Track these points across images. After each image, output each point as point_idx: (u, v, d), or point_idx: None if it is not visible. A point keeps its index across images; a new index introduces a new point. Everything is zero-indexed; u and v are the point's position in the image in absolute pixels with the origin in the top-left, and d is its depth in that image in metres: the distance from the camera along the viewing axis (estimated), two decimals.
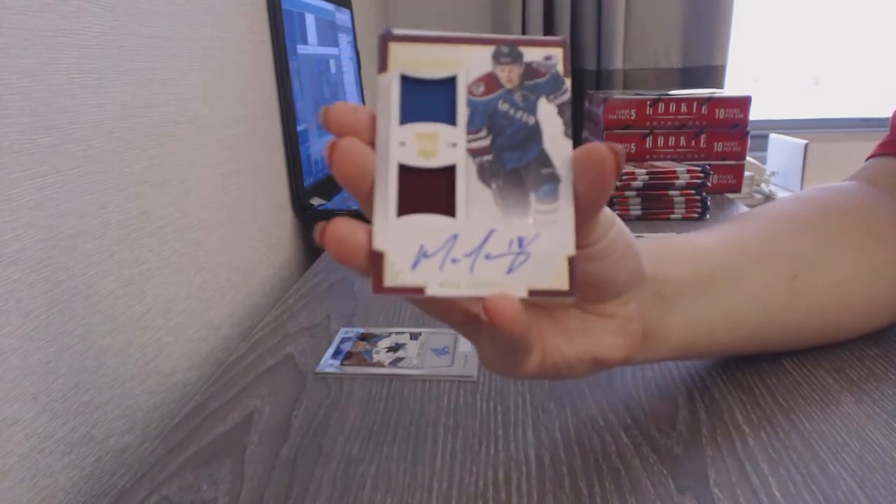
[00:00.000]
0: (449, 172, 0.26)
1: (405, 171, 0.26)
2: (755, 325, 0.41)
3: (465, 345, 0.47)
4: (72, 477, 0.39)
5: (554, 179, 0.27)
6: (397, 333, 0.50)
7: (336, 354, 0.46)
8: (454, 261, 0.26)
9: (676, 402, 0.40)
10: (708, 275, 0.39)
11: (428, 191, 0.26)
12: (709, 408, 0.39)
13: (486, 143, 0.27)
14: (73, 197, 0.39)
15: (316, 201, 0.81)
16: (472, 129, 0.27)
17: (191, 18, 0.56)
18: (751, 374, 0.43)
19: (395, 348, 0.47)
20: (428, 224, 0.26)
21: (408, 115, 0.26)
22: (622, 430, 0.37)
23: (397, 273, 0.25)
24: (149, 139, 0.48)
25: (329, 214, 0.79)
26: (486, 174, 0.26)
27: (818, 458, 0.34)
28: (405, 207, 0.26)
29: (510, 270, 0.26)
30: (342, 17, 1.10)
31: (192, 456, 0.36)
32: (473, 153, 0.26)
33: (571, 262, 0.26)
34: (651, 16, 1.73)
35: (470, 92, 0.27)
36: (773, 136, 1.79)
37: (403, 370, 0.44)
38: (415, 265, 0.25)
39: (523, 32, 1.68)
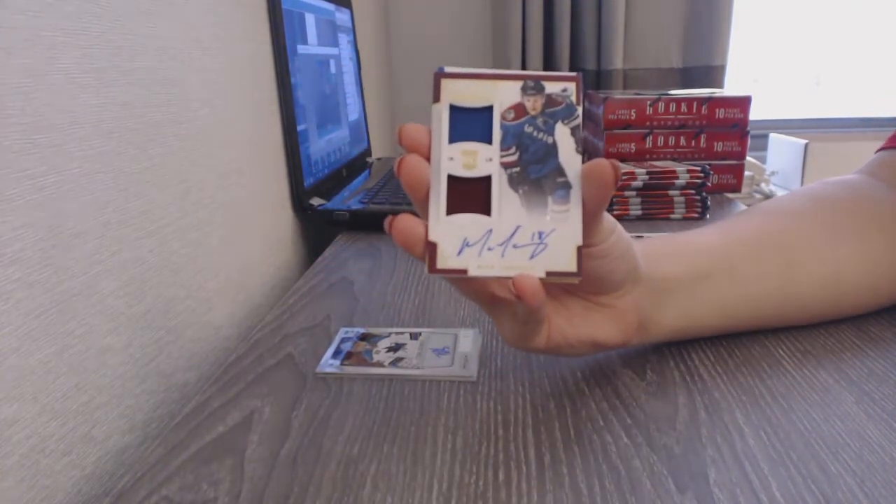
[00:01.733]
0: (486, 181, 0.33)
1: (452, 180, 0.33)
2: (749, 311, 0.45)
3: (464, 345, 0.47)
4: (72, 477, 0.39)
5: (567, 186, 0.33)
6: (397, 333, 0.50)
7: (336, 354, 0.46)
8: (489, 249, 0.33)
9: (676, 402, 0.40)
10: (701, 269, 0.43)
11: (470, 195, 0.33)
12: (709, 408, 0.39)
13: (514, 158, 0.33)
14: (73, 197, 0.39)
15: (316, 201, 0.81)
16: (505, 147, 0.33)
17: (191, 18, 0.56)
18: (751, 374, 0.43)
19: (395, 348, 0.47)
20: (470, 221, 0.33)
21: (455, 136, 0.33)
22: (622, 430, 0.37)
23: (447, 258, 0.33)
24: (149, 139, 0.48)
25: (329, 214, 0.79)
26: (514, 182, 0.33)
27: (818, 458, 0.34)
28: (452, 208, 0.33)
29: (532, 256, 0.33)
30: (342, 17, 1.10)
31: (192, 456, 0.36)
32: (505, 166, 0.33)
33: (579, 250, 0.33)
34: (651, 16, 1.73)
35: (503, 118, 0.34)
36: (773, 136, 1.79)
37: (403, 370, 0.44)
38: (459, 252, 0.33)
39: (523, 33, 1.67)
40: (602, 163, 0.32)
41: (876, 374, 0.42)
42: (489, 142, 0.33)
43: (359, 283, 0.61)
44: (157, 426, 0.48)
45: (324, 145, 0.90)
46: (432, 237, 0.33)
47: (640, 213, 0.84)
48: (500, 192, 0.33)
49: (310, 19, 0.90)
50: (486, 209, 0.33)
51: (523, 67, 1.68)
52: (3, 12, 0.34)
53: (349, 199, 0.84)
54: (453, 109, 0.33)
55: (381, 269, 0.66)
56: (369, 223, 0.79)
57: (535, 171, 0.33)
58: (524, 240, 0.33)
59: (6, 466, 0.34)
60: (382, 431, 0.38)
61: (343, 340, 0.49)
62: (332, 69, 0.99)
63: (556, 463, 0.34)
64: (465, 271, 0.33)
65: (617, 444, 0.36)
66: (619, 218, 0.84)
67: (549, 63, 1.72)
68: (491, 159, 0.33)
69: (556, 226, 0.33)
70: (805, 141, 1.62)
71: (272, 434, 0.38)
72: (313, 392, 0.42)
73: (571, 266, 0.33)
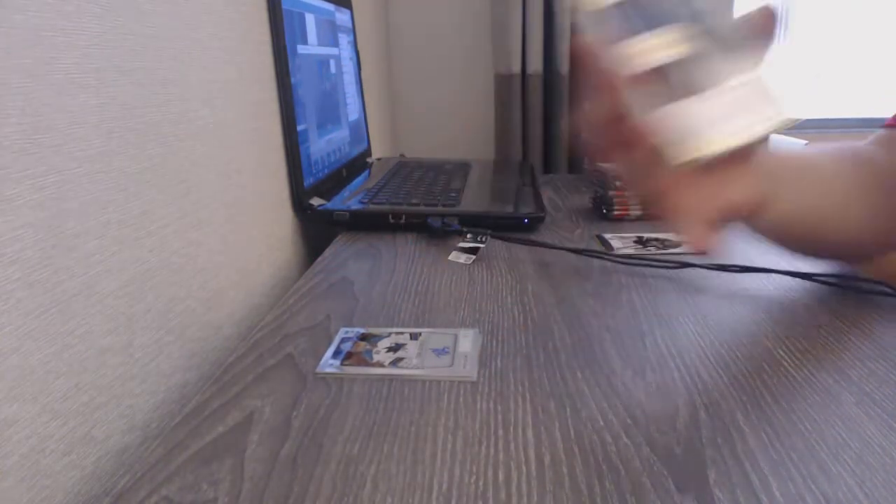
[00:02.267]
0: (674, 66, 0.34)
1: (642, 75, 0.34)
2: (823, 224, 0.52)
3: (464, 345, 0.47)
4: (72, 477, 0.39)
5: (742, 39, 0.35)
6: (397, 333, 0.50)
7: (336, 354, 0.46)
8: (711, 123, 0.34)
9: (676, 403, 0.40)
10: (797, 170, 0.52)
11: (666, 82, 0.34)
12: (709, 408, 0.39)
13: (688, 36, 0.35)
14: (73, 197, 0.39)
15: (316, 201, 0.81)
16: (672, 29, 0.35)
17: (191, 18, 0.56)
18: (751, 374, 0.43)
19: (395, 348, 0.47)
20: (681, 108, 0.34)
21: (628, 33, 0.35)
22: (622, 430, 0.37)
23: (685, 150, 0.34)
24: (149, 139, 0.48)
25: (329, 214, 0.79)
26: (699, 56, 0.34)
27: (818, 459, 0.34)
28: (660, 102, 0.34)
29: (748, 114, 0.34)
30: (342, 17, 1.10)
31: (192, 456, 0.36)
32: (683, 48, 0.34)
33: (779, 94, 0.34)
34: None
35: (661, 2, 0.35)
36: (772, 136, 1.79)
37: (403, 370, 0.44)
38: (688, 138, 0.34)
39: (523, 32, 1.67)
40: (759, 8, 0.35)
41: (877, 374, 0.42)
42: (662, 29, 0.35)
43: (359, 283, 0.61)
44: (157, 426, 0.48)
45: (324, 145, 0.90)
46: (659, 137, 0.34)
47: (640, 213, 0.84)
48: (691, 69, 0.34)
49: (310, 19, 0.90)
50: (687, 91, 0.34)
51: (523, 67, 1.68)
52: (2, 12, 0.34)
53: (349, 199, 0.84)
54: (615, 6, 0.35)
55: (381, 269, 0.66)
56: (369, 223, 0.79)
57: (712, 40, 0.34)
58: (735, 103, 0.34)
59: (6, 466, 0.34)
60: (382, 431, 0.38)
61: (343, 340, 0.49)
62: (332, 69, 0.99)
63: (556, 463, 0.34)
64: (703, 150, 0.34)
65: (617, 444, 0.36)
66: (619, 218, 0.84)
67: (548, 63, 1.72)
68: (669, 44, 0.34)
69: (752, 79, 0.34)
70: (805, 141, 1.62)
71: (272, 434, 0.38)
72: (313, 392, 0.42)
73: (784, 110, 0.34)
